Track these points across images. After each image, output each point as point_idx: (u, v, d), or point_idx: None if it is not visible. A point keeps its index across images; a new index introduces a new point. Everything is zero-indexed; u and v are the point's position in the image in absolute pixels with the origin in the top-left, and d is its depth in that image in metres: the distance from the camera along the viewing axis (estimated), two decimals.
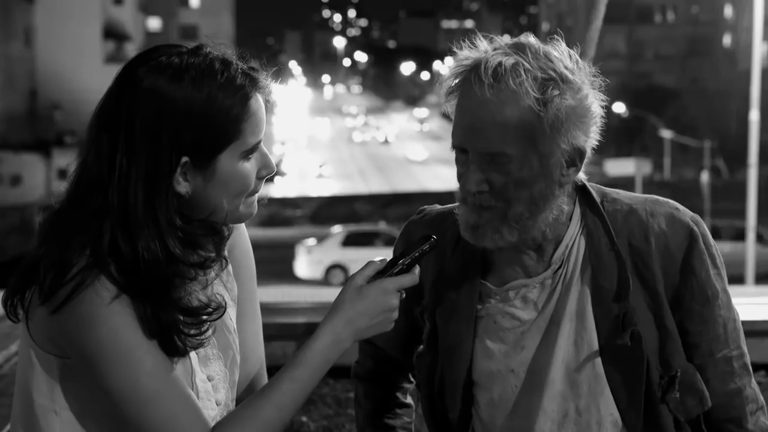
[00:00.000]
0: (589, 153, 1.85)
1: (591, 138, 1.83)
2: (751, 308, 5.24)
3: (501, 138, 1.76)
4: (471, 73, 1.79)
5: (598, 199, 1.91)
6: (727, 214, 30.50)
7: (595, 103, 1.82)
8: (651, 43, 72.33)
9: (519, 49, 1.79)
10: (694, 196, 34.47)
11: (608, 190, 1.95)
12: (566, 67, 1.79)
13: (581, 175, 1.89)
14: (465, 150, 1.81)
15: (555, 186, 1.82)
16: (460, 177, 1.84)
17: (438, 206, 2.08)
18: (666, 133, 46.07)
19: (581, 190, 1.92)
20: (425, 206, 2.09)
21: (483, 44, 1.83)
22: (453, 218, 1.92)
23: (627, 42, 71.47)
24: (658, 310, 1.85)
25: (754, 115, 19.32)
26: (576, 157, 1.82)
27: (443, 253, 1.96)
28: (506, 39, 1.85)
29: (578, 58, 1.84)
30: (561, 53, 1.81)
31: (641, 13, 72.64)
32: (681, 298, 1.86)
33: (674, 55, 71.05)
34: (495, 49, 1.80)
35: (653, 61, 71.55)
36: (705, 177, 37.14)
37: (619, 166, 48.02)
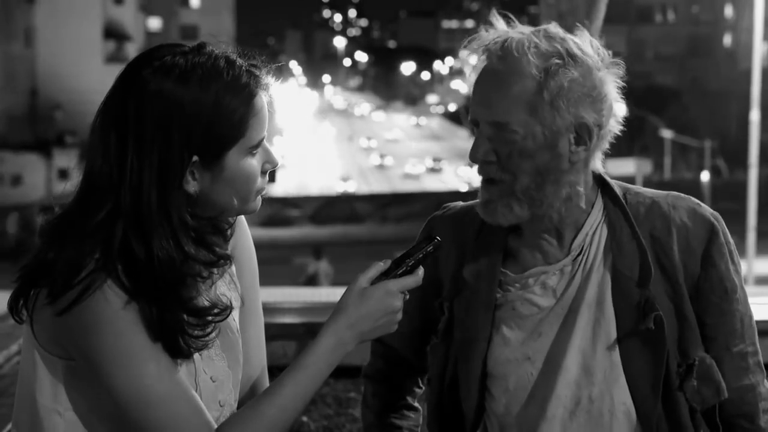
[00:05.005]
0: (602, 134, 1.86)
1: (603, 118, 1.85)
2: (751, 308, 5.22)
3: (505, 107, 1.82)
4: (486, 50, 1.86)
5: (619, 191, 1.94)
6: (727, 214, 30.45)
7: (608, 84, 1.85)
8: (651, 43, 72.28)
9: (536, 30, 1.87)
10: (694, 196, 34.35)
11: (631, 186, 2.00)
12: (579, 48, 1.84)
13: (599, 166, 1.92)
14: (477, 123, 1.87)
15: (563, 161, 1.85)
16: (471, 151, 1.88)
17: (461, 203, 2.11)
18: (666, 133, 46.07)
19: (601, 182, 1.95)
20: (449, 203, 2.13)
21: (500, 25, 1.89)
22: (474, 212, 1.95)
23: (627, 42, 71.42)
24: (678, 300, 1.88)
25: (755, 115, 19.31)
26: (584, 134, 1.84)
27: (464, 245, 1.99)
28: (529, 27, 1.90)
29: (600, 47, 1.88)
30: (582, 39, 1.87)
31: (641, 13, 72.58)
32: (700, 290, 1.90)
33: (674, 55, 70.98)
34: (513, 30, 1.88)
35: (653, 61, 71.50)
36: (705, 177, 37.13)
37: (619, 166, 47.93)
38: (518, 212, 1.85)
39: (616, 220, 1.92)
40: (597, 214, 1.93)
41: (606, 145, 1.90)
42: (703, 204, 1.96)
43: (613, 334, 1.87)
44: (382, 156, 78.74)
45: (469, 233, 2.00)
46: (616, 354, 1.87)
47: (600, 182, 1.96)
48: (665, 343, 1.85)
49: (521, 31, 1.87)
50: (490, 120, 1.84)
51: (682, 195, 1.98)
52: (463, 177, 63.44)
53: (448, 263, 1.99)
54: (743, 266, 19.07)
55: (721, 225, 1.93)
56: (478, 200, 1.91)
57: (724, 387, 1.89)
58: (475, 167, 1.89)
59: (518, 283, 1.94)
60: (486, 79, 1.86)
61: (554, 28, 1.88)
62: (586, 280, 1.90)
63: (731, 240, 1.94)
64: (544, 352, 1.90)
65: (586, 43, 1.87)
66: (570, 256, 1.91)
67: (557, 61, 1.81)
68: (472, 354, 1.95)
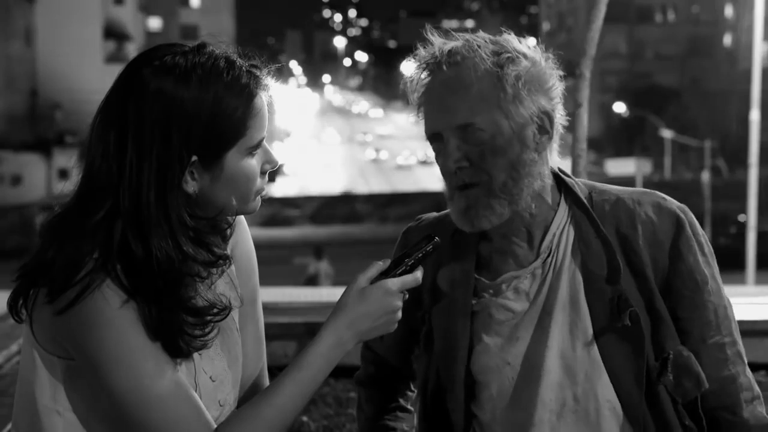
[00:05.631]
0: (556, 123, 1.89)
1: (556, 106, 1.89)
2: (751, 308, 5.22)
3: (467, 108, 1.83)
4: (429, 64, 1.88)
5: (581, 191, 1.95)
6: (727, 214, 30.46)
7: (552, 72, 1.89)
8: (651, 43, 72.23)
9: (473, 35, 1.90)
10: (694, 196, 34.47)
11: (598, 184, 2.01)
12: (519, 44, 1.89)
13: (556, 159, 1.93)
14: (439, 135, 1.87)
15: (531, 152, 1.86)
16: (441, 164, 1.89)
17: (434, 213, 2.12)
18: (666, 133, 46.07)
19: (561, 180, 1.96)
20: (422, 215, 2.14)
21: (437, 39, 1.91)
22: (448, 221, 1.96)
23: (627, 42, 71.39)
24: (648, 295, 1.88)
25: (755, 115, 19.31)
26: (546, 121, 1.87)
27: (439, 254, 1.98)
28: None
29: (528, 44, 1.92)
30: (511, 38, 1.91)
31: (641, 13, 72.51)
32: (671, 285, 1.90)
33: (674, 55, 70.90)
34: (450, 40, 1.91)
35: (653, 61, 71.45)
36: (705, 177, 37.13)
37: (619, 166, 48.03)
38: (500, 211, 1.86)
39: (581, 219, 1.92)
40: (563, 214, 1.94)
41: (558, 137, 1.92)
42: (669, 198, 1.96)
43: (590, 333, 1.88)
44: (377, 150, 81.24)
45: (444, 242, 1.98)
46: (596, 352, 1.87)
47: (562, 184, 1.96)
48: (643, 337, 1.85)
49: (458, 38, 1.90)
50: (455, 125, 1.85)
51: (648, 190, 1.98)
52: None
53: (426, 273, 1.98)
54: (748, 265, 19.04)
55: (689, 217, 1.93)
56: (454, 209, 1.90)
57: (704, 378, 1.89)
58: (446, 179, 1.89)
59: (492, 289, 1.95)
60: (440, 89, 1.87)
61: (483, 33, 1.91)
62: (557, 282, 1.90)
63: (700, 230, 1.93)
64: (523, 356, 1.90)
65: (517, 41, 1.90)
66: (540, 258, 1.92)
67: (507, 55, 1.85)
68: (454, 362, 1.95)
